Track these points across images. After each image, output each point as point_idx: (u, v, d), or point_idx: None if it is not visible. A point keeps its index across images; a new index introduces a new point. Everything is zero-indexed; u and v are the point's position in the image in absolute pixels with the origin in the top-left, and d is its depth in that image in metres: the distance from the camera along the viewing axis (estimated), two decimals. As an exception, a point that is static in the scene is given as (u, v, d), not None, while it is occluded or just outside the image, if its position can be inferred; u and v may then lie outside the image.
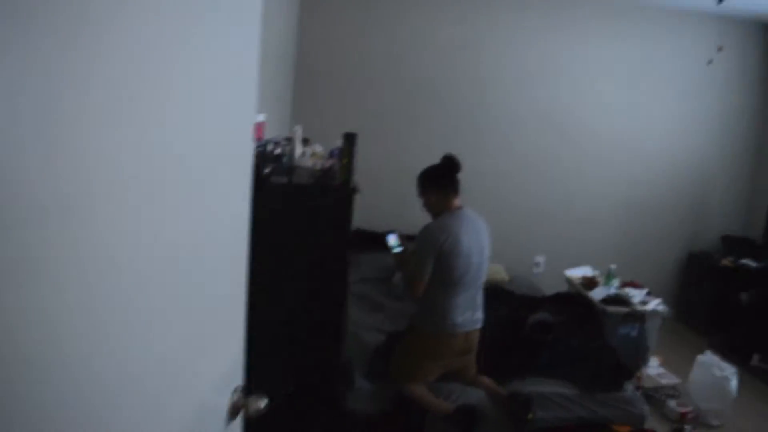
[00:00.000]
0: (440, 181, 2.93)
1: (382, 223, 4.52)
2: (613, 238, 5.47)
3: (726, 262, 5.11)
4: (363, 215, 4.01)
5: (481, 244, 2.96)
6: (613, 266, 4.45)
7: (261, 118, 2.85)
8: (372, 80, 5.07)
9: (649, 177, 5.41)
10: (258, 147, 2.59)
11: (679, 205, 5.50)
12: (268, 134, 3.09)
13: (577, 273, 4.68)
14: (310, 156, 2.80)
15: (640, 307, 4.05)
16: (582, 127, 5.28)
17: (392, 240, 3.02)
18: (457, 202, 2.94)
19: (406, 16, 5.02)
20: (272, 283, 2.49)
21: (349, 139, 2.55)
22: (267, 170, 2.50)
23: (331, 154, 2.84)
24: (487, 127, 5.21)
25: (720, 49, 4.84)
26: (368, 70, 5.05)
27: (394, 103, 5.11)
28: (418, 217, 3.09)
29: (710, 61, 4.95)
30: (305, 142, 2.89)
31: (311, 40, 4.94)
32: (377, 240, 3.71)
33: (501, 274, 4.83)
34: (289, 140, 2.88)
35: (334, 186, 2.53)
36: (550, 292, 4.47)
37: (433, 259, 2.82)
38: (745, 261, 5.04)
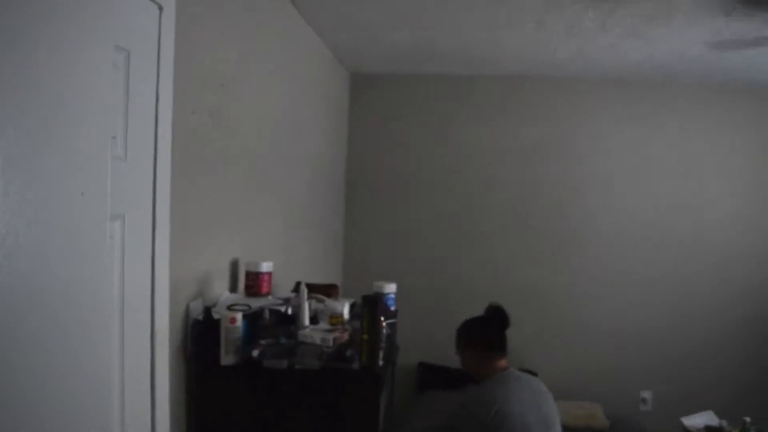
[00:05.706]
0: (485, 339, 2.38)
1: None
2: (744, 371, 4.30)
3: None
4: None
5: (543, 414, 2.26)
6: (747, 419, 3.41)
7: (266, 267, 2.20)
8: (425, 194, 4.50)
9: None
10: (245, 312, 1.92)
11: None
12: (285, 284, 2.43)
13: (698, 421, 3.66)
14: (328, 319, 2.10)
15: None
16: (694, 229, 4.32)
17: None
18: (503, 362, 2.36)
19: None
20: None
21: (369, 304, 1.85)
22: (256, 351, 1.83)
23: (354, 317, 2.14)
24: (569, 243, 4.37)
25: None
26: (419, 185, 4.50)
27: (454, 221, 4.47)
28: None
29: None
30: (320, 298, 2.19)
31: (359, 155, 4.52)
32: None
33: (598, 417, 3.92)
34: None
35: (352, 373, 1.82)
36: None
37: None
38: None
